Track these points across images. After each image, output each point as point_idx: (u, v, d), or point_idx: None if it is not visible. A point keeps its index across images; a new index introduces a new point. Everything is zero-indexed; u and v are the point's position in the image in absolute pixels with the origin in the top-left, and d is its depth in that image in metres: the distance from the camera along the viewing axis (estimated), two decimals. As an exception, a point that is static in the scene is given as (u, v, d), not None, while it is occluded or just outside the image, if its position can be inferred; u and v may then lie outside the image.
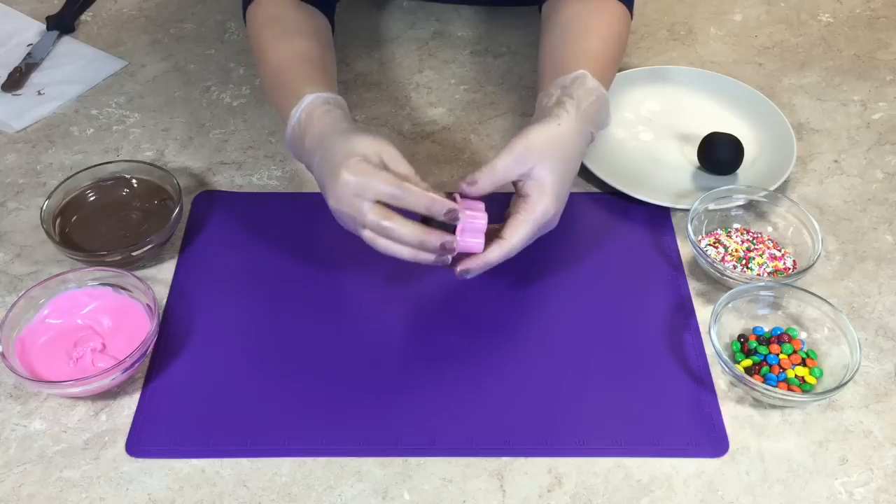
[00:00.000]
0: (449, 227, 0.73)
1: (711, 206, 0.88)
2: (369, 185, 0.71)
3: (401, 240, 0.72)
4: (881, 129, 1.01)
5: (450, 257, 0.74)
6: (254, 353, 0.79)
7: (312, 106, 0.80)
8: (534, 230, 0.76)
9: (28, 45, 1.12)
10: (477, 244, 0.75)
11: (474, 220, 0.75)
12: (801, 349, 0.78)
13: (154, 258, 0.87)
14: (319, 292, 0.84)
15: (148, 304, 0.79)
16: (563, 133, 0.78)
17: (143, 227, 0.87)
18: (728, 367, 0.75)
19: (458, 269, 0.76)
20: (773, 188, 0.89)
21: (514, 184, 0.78)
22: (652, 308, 0.83)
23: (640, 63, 1.09)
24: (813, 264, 0.82)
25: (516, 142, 0.77)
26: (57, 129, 1.02)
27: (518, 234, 0.76)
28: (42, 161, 0.98)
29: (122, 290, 0.81)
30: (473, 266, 0.75)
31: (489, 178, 0.76)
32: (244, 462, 0.72)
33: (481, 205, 0.76)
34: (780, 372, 0.76)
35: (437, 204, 0.71)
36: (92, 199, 0.90)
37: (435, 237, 0.72)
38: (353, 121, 0.81)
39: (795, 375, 0.76)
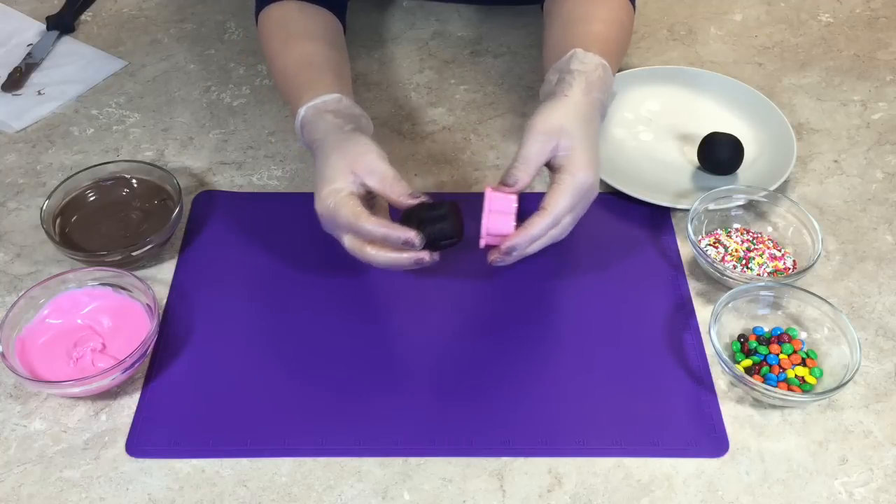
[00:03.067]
0: (435, 222, 0.74)
1: (711, 206, 0.88)
2: (336, 222, 0.75)
3: (378, 264, 0.75)
4: (881, 129, 1.01)
5: (427, 259, 0.74)
6: (254, 353, 0.79)
7: (305, 120, 0.82)
8: (575, 197, 0.75)
9: (28, 45, 1.12)
10: (505, 224, 0.74)
11: (500, 201, 0.75)
12: (801, 349, 0.78)
13: (154, 258, 0.87)
14: (319, 292, 0.84)
15: (148, 304, 0.79)
16: (575, 103, 0.79)
17: (143, 227, 0.87)
18: (728, 367, 0.75)
19: (492, 256, 0.76)
20: (773, 188, 0.89)
21: (546, 165, 0.78)
22: (652, 308, 0.83)
23: (640, 63, 1.09)
24: (813, 264, 0.82)
25: (535, 125, 0.77)
26: (57, 129, 1.02)
27: (558, 201, 0.74)
28: (42, 161, 0.98)
29: (122, 290, 0.81)
30: (518, 241, 0.74)
31: (525, 171, 0.76)
32: (244, 462, 0.72)
33: (512, 195, 0.76)
34: (780, 372, 0.76)
35: (393, 234, 0.72)
36: (92, 199, 0.90)
37: (406, 258, 0.74)
38: (343, 122, 0.80)
39: (795, 375, 0.76)
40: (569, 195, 0.75)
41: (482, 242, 0.77)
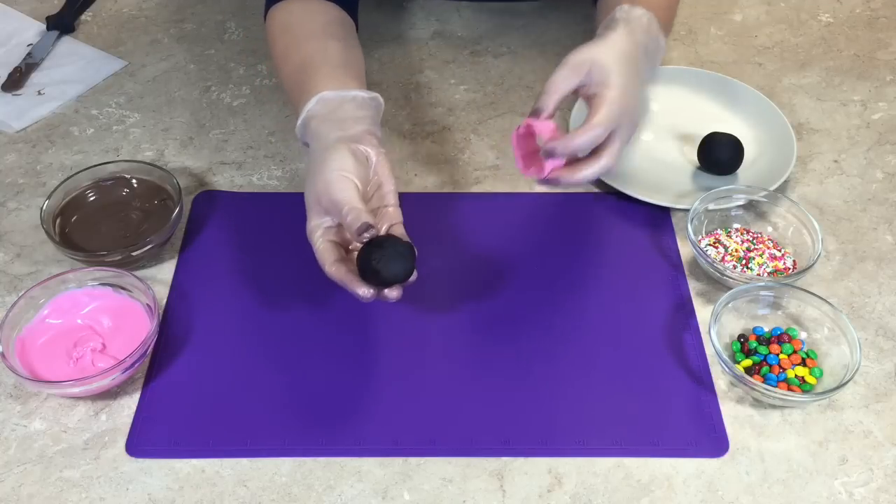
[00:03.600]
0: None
1: (711, 206, 0.88)
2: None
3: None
4: (881, 129, 1.01)
5: (394, 295, 0.73)
6: (254, 353, 0.79)
7: (303, 140, 0.81)
8: (611, 114, 0.78)
9: (28, 45, 1.12)
10: (554, 135, 0.78)
11: (539, 124, 0.78)
12: (801, 349, 0.78)
13: (154, 258, 0.87)
14: (319, 292, 0.84)
15: (148, 304, 0.79)
16: (613, 42, 0.81)
17: (143, 227, 0.87)
18: (728, 367, 0.75)
19: (548, 171, 0.78)
20: (773, 188, 0.89)
21: (580, 94, 0.82)
22: (652, 308, 0.83)
23: (640, 63, 1.09)
24: (813, 264, 0.82)
25: (567, 58, 0.80)
26: (57, 129, 1.02)
27: (598, 116, 0.77)
28: (42, 161, 0.98)
29: (122, 290, 0.81)
30: (558, 145, 0.77)
31: (549, 98, 0.79)
32: (244, 462, 0.72)
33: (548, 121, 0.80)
34: (780, 372, 0.76)
35: (346, 286, 0.72)
36: (92, 199, 0.90)
37: (372, 297, 0.72)
38: (328, 128, 0.78)
39: (795, 375, 0.76)
40: (604, 111, 0.77)
41: (548, 167, 0.78)
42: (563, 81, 0.80)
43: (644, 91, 0.86)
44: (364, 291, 0.72)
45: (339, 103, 0.80)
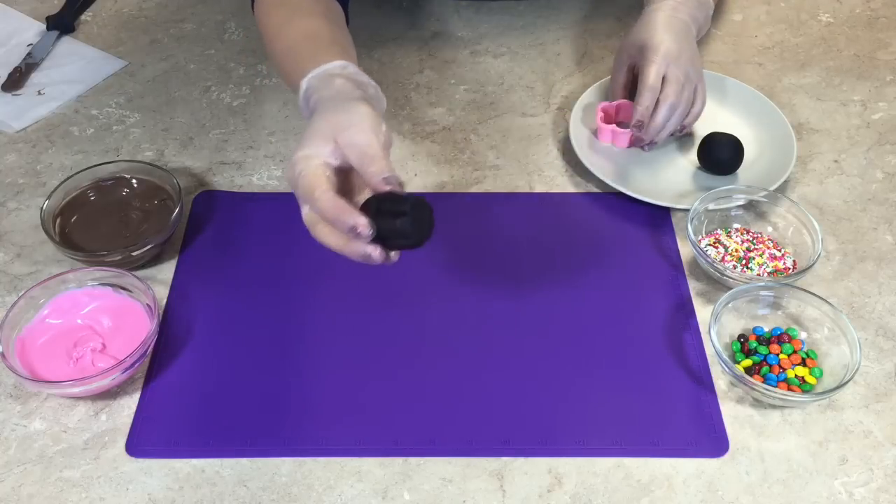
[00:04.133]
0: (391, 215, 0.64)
1: (711, 206, 0.88)
2: (297, 191, 0.68)
3: (328, 246, 0.68)
4: (881, 129, 1.01)
5: (375, 255, 0.65)
6: (254, 352, 0.79)
7: (310, 91, 0.76)
8: (656, 69, 0.89)
9: (28, 45, 1.12)
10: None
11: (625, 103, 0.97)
12: (801, 349, 0.78)
13: (154, 258, 0.87)
14: (319, 292, 0.84)
15: (148, 304, 0.79)
16: (642, 17, 0.95)
17: (143, 227, 0.87)
18: (728, 367, 0.75)
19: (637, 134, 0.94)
20: (773, 188, 0.89)
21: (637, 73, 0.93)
22: (652, 308, 0.83)
23: (640, 63, 1.09)
24: (813, 264, 0.82)
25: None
26: (57, 129, 1.02)
27: (646, 79, 0.89)
28: (42, 161, 0.98)
29: (122, 290, 0.81)
30: (636, 116, 0.91)
31: (612, 91, 0.98)
32: (244, 462, 0.72)
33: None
34: (780, 372, 0.76)
35: (341, 217, 0.64)
36: (92, 199, 0.90)
37: (352, 249, 0.66)
38: (353, 87, 0.75)
39: (795, 375, 0.76)
40: (648, 71, 0.90)
41: (633, 129, 0.93)
42: (616, 72, 0.97)
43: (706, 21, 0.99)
44: (364, 227, 0.63)
45: (362, 80, 0.77)
